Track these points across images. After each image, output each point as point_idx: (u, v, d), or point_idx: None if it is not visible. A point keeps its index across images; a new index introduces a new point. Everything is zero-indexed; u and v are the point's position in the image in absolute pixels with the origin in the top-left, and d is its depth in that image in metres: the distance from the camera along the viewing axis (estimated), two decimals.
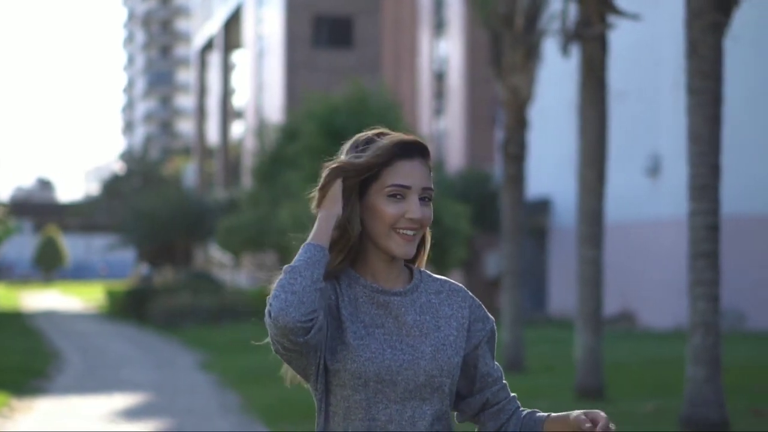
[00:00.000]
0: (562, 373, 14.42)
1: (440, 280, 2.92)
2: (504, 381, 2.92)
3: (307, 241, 2.73)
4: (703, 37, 9.67)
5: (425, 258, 2.94)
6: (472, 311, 2.88)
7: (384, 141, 2.79)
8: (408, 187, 2.76)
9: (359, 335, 2.76)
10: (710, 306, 9.77)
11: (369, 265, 2.83)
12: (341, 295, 2.80)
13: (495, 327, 2.93)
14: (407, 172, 2.77)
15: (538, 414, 2.91)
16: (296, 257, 2.70)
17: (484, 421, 2.90)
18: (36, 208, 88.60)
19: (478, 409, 2.89)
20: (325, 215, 2.75)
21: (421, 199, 2.78)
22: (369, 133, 2.86)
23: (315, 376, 2.78)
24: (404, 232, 2.76)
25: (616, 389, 12.80)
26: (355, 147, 2.83)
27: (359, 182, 2.79)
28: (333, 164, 2.81)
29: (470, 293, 2.92)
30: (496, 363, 2.92)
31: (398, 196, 2.76)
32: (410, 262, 2.91)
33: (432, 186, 2.82)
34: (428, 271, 2.94)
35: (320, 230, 2.73)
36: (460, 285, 2.93)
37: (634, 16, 12.09)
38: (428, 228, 2.87)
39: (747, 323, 23.08)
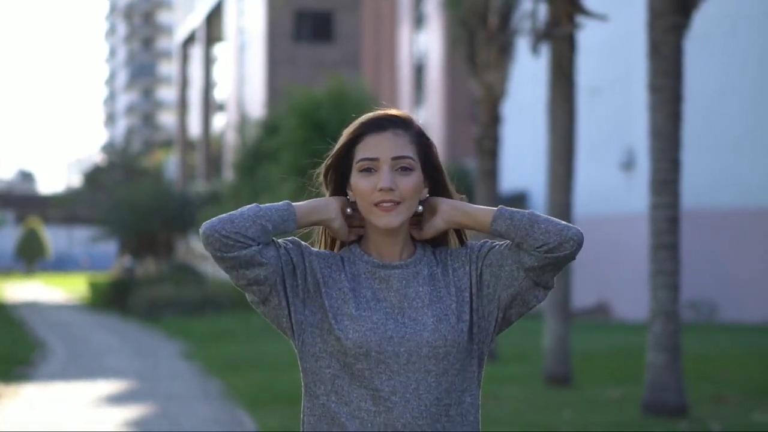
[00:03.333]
0: (533, 362, 14.87)
1: (443, 249, 2.89)
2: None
3: None
4: (664, 38, 10.14)
5: (453, 238, 2.91)
6: (470, 263, 2.84)
7: (356, 121, 2.83)
8: (376, 159, 2.76)
9: (362, 307, 2.77)
10: (670, 295, 10.24)
11: (372, 242, 2.83)
12: (344, 271, 2.82)
13: (485, 243, 2.87)
14: (375, 144, 2.77)
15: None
16: None
17: (527, 267, 2.79)
18: (18, 199, 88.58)
19: (514, 286, 2.80)
20: (318, 198, 2.87)
21: (400, 168, 2.77)
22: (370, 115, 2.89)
23: (291, 332, 2.79)
24: (382, 203, 2.76)
25: (584, 377, 13.24)
26: None
27: (347, 167, 2.83)
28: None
29: (469, 246, 2.88)
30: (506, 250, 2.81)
31: (371, 170, 2.77)
32: (442, 244, 2.90)
33: (408, 154, 2.78)
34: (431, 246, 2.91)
35: (305, 202, 2.84)
36: (472, 243, 2.89)
37: (602, 17, 12.52)
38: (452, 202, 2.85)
39: (719, 315, 23.55)
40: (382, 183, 2.74)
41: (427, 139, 2.86)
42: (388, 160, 2.76)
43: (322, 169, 2.89)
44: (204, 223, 2.74)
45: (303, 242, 2.87)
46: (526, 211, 2.79)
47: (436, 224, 2.85)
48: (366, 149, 2.78)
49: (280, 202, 2.79)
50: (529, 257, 2.76)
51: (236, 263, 2.73)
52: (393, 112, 2.84)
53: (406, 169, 2.77)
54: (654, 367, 10.27)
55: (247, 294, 2.80)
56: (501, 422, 10.13)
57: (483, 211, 2.80)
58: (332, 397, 2.76)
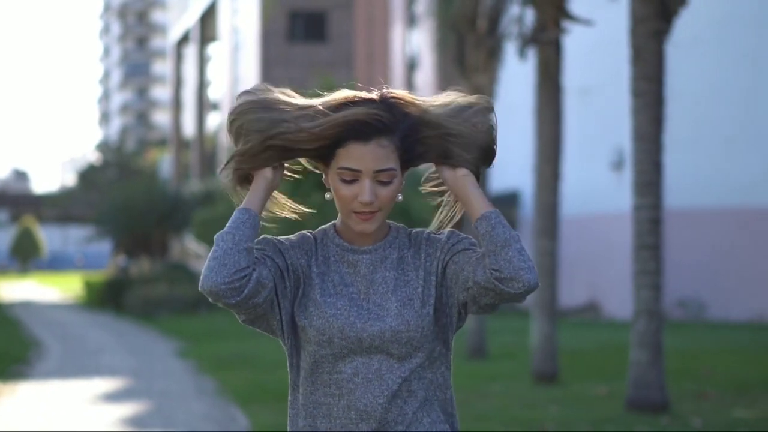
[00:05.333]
0: (521, 360, 15.13)
1: (420, 232, 2.88)
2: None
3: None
4: (646, 44, 10.38)
5: (444, 220, 2.90)
6: (442, 251, 2.82)
7: (338, 116, 2.73)
8: (358, 171, 2.73)
9: (327, 293, 2.77)
10: (653, 294, 10.48)
11: (346, 226, 2.83)
12: (315, 255, 2.83)
13: (461, 240, 2.83)
14: (358, 156, 2.72)
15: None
16: None
17: (479, 280, 2.74)
18: (12, 198, 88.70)
19: (467, 288, 2.77)
20: (256, 178, 2.80)
21: (380, 180, 2.74)
22: (348, 95, 2.81)
23: (281, 333, 2.82)
24: (361, 211, 2.75)
25: (570, 374, 13.49)
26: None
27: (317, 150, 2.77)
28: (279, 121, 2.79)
29: (445, 232, 2.86)
30: (474, 253, 2.80)
31: (352, 180, 2.74)
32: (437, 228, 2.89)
33: (390, 166, 2.74)
34: (409, 228, 2.90)
35: (250, 194, 2.79)
36: (442, 233, 2.87)
37: (587, 22, 12.77)
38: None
39: (708, 313, 23.80)
40: (363, 197, 2.72)
41: (411, 123, 2.78)
42: (371, 173, 2.72)
43: (280, 135, 2.78)
44: (201, 282, 2.70)
45: (275, 238, 2.87)
46: (512, 232, 2.75)
47: (443, 174, 2.83)
48: (348, 159, 2.72)
49: (237, 213, 2.76)
50: (482, 273, 2.72)
51: (249, 299, 2.72)
52: (379, 115, 2.73)
53: (384, 182, 2.75)
54: (637, 365, 10.51)
55: (239, 315, 2.80)
56: (487, 418, 10.38)
57: (477, 202, 2.77)
58: (307, 388, 2.79)
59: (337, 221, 2.87)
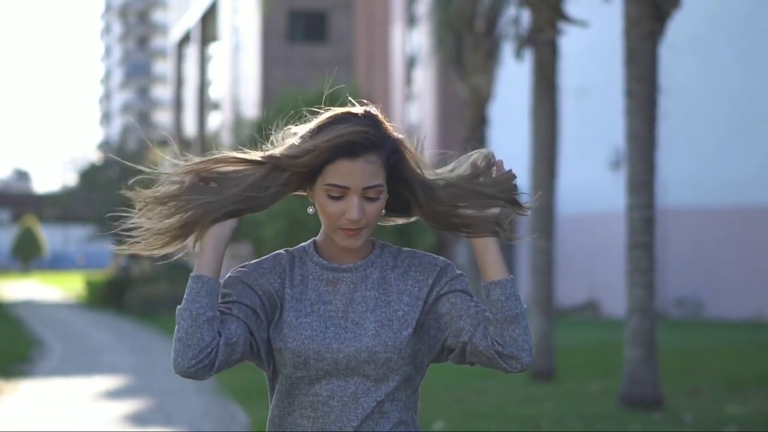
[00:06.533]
0: None
1: (404, 253, 2.82)
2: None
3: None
4: (640, 45, 10.53)
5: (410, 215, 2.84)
6: (434, 279, 2.78)
7: (325, 143, 2.67)
8: (346, 188, 2.67)
9: (304, 312, 2.72)
10: (646, 293, 10.62)
11: (329, 242, 2.77)
12: (289, 275, 2.77)
13: (457, 278, 2.80)
14: (347, 173, 2.66)
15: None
16: None
17: (477, 343, 2.73)
18: (13, 198, 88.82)
19: (459, 341, 2.74)
20: (209, 236, 2.71)
21: (367, 197, 2.68)
22: (326, 117, 2.75)
23: (264, 362, 2.78)
24: (347, 227, 2.70)
25: (567, 371, 13.63)
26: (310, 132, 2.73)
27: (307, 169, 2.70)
28: (261, 155, 2.75)
29: (438, 261, 2.80)
30: (473, 302, 2.78)
31: (340, 197, 2.67)
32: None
33: (378, 182, 2.68)
34: (397, 247, 2.85)
35: (202, 256, 2.70)
36: (430, 257, 2.81)
37: (583, 23, 12.91)
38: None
39: (706, 312, 23.93)
40: (351, 214, 2.66)
41: (401, 147, 2.74)
42: (359, 191, 2.66)
43: (269, 157, 2.73)
44: (173, 366, 2.67)
45: (242, 271, 2.78)
46: (522, 306, 2.73)
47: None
48: (337, 176, 2.66)
49: (191, 282, 2.68)
50: (483, 339, 2.71)
51: (224, 365, 2.69)
52: (367, 133, 2.67)
53: (371, 199, 2.69)
54: (631, 362, 10.66)
55: None
56: (483, 415, 10.52)
57: (496, 264, 2.75)
58: (284, 409, 2.76)
59: (318, 237, 2.81)
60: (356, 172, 2.65)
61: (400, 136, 2.75)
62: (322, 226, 2.77)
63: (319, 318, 2.71)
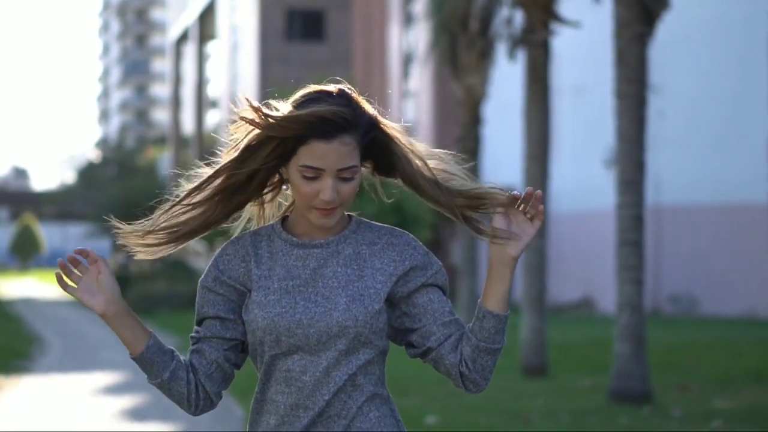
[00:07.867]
0: (511, 354, 15.42)
1: (382, 230, 2.80)
2: (460, 323, 2.78)
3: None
4: (629, 47, 10.70)
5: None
6: (413, 263, 2.75)
7: (301, 114, 2.65)
8: (321, 170, 2.65)
9: (272, 290, 2.72)
10: (635, 289, 10.81)
11: (303, 219, 2.76)
12: (254, 256, 2.78)
13: (440, 271, 2.78)
14: (321, 155, 2.64)
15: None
16: None
17: (444, 354, 2.75)
18: (12, 196, 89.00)
19: (426, 343, 2.76)
20: (108, 321, 2.77)
21: (341, 177, 2.66)
22: (300, 95, 2.74)
23: (251, 352, 2.81)
24: (322, 207, 2.68)
25: (559, 367, 13.81)
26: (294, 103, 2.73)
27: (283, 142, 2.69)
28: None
29: (417, 246, 2.78)
30: (448, 306, 2.77)
31: (314, 177, 2.66)
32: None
33: (352, 163, 2.66)
34: (377, 223, 2.83)
35: (122, 340, 2.78)
36: (408, 237, 2.79)
37: (575, 24, 13.08)
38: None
39: (700, 308, 24.11)
40: (325, 195, 2.65)
41: (376, 124, 2.74)
42: (334, 172, 2.65)
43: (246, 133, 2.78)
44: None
45: (207, 273, 2.82)
46: (503, 342, 2.77)
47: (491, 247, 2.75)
48: (312, 157, 2.64)
49: (136, 363, 2.79)
50: (453, 355, 2.75)
51: (220, 386, 2.83)
52: (341, 112, 2.65)
53: (347, 179, 2.68)
54: (620, 357, 10.84)
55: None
56: (476, 409, 10.70)
57: (503, 293, 2.74)
58: (262, 385, 2.78)
59: (290, 214, 2.82)
60: (331, 154, 2.63)
61: (374, 112, 2.74)
62: (295, 204, 2.78)
63: (288, 294, 2.70)
